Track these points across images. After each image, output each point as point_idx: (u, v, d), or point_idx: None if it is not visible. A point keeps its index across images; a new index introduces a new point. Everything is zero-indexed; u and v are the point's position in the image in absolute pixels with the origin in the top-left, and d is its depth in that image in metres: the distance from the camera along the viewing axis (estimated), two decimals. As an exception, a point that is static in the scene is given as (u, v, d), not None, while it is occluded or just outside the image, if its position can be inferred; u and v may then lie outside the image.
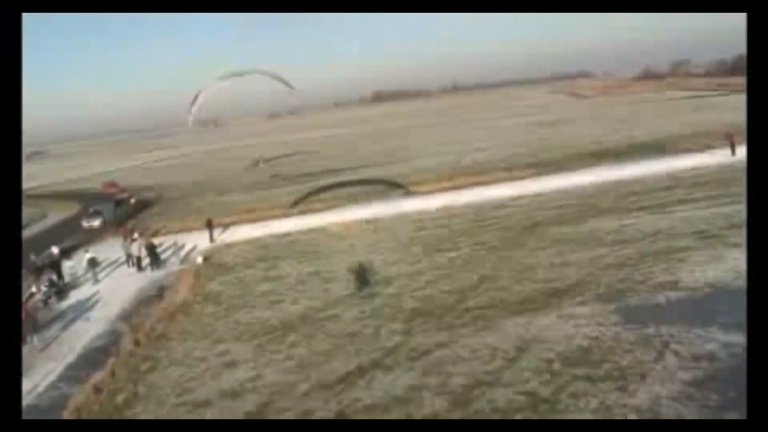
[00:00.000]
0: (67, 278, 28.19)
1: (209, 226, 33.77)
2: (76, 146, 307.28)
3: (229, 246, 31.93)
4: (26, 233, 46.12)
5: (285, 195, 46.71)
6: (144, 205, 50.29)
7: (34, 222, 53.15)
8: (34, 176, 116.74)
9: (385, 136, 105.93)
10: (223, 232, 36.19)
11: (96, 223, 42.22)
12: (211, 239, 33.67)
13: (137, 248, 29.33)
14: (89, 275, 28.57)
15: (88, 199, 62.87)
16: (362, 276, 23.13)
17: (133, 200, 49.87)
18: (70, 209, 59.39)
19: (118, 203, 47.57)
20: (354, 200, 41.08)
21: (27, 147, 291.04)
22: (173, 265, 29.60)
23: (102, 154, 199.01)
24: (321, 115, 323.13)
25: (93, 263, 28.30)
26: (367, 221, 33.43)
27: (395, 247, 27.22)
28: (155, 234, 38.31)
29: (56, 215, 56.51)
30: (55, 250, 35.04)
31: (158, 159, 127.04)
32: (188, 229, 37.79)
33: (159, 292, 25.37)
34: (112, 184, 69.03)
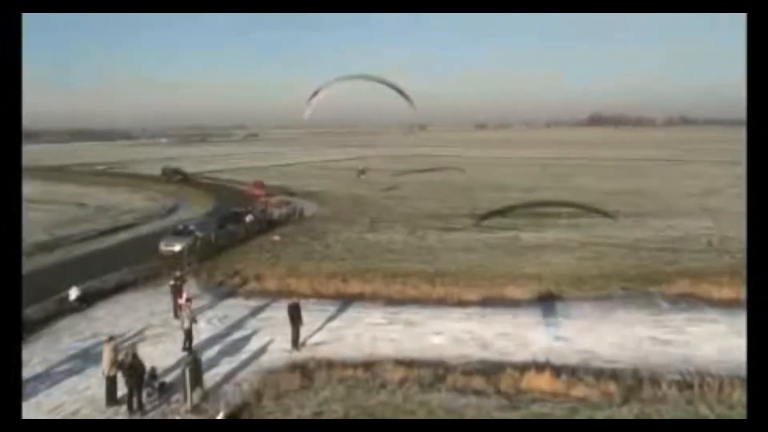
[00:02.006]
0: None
1: (294, 315, 17.42)
2: (290, 133, 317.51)
3: (311, 373, 15.25)
4: (116, 239, 34.69)
5: (463, 252, 29.18)
6: (266, 226, 36.18)
7: (152, 218, 42.43)
8: (220, 158, 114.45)
9: (614, 168, 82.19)
10: (331, 319, 19.85)
11: (177, 247, 28.64)
12: (295, 342, 17.38)
13: (107, 363, 13.89)
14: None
15: (228, 198, 52.04)
16: None
17: (248, 217, 35.90)
18: (208, 206, 48.74)
19: (226, 219, 33.98)
20: (579, 287, 22.45)
21: (244, 128, 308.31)
22: (174, 404, 13.75)
23: (301, 143, 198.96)
24: (532, 133, 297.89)
25: None
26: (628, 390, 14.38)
27: None
28: (234, 291, 23.34)
29: (186, 212, 45.85)
30: (73, 293, 21.82)
31: (346, 158, 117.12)
32: (288, 293, 22.03)
33: None
34: (260, 186, 56.83)
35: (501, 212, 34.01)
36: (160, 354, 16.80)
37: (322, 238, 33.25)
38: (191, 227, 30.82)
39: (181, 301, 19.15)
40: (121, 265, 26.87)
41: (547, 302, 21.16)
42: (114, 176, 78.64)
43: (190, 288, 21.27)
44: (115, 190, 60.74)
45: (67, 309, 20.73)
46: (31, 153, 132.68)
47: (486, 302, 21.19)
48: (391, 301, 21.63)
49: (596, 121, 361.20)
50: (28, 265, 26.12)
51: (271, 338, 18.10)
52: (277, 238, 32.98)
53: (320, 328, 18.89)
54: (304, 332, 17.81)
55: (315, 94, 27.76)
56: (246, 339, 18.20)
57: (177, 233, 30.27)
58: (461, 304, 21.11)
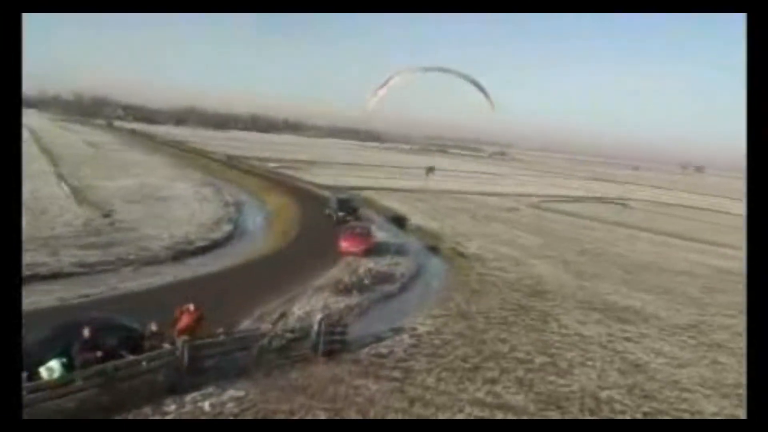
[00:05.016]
0: None
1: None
2: (540, 156, 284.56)
3: None
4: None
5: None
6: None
7: (141, 265, 24.78)
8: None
9: None
10: None
11: None
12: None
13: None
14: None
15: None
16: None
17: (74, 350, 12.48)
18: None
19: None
20: None
21: (492, 145, 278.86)
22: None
23: (542, 168, 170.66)
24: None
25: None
26: None
27: None
28: None
29: (233, 253, 29.43)
30: None
31: (578, 195, 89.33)
32: None
33: None
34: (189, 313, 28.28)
35: None
36: None
37: None
38: None
39: None
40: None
41: None
42: (262, 178, 64.93)
43: None
44: (212, 198, 45.23)
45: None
46: (256, 143, 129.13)
47: None
48: None
49: None
50: None
51: None
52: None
53: None
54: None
55: (385, 83, 24.66)
56: None
57: None
58: None
